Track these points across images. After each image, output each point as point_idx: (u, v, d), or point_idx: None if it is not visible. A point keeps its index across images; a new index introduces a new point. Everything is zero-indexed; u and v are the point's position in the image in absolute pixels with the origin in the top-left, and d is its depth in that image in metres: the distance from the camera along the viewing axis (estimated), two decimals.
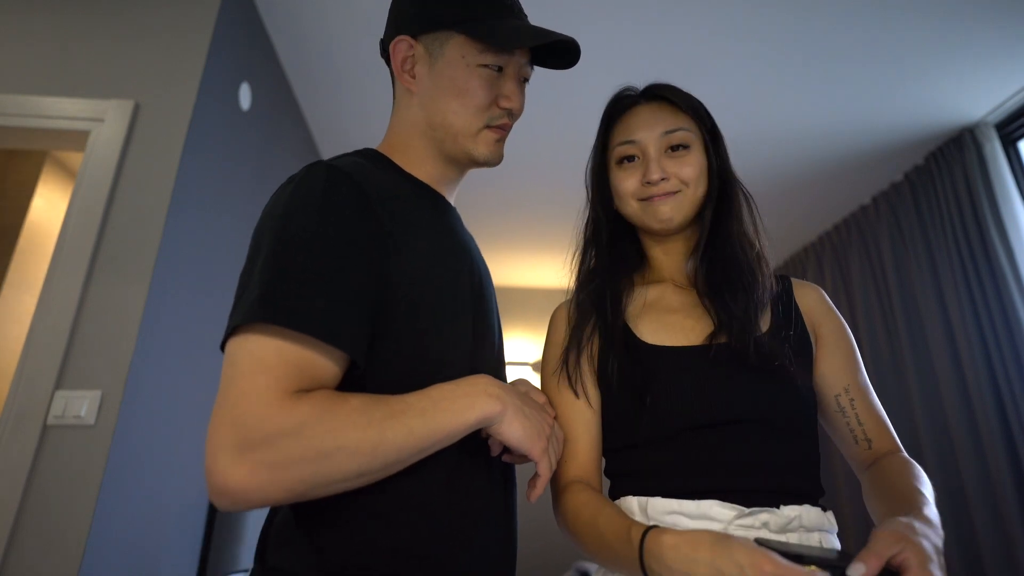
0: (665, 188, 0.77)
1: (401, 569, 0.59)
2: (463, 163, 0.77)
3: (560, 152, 2.80)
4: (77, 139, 1.61)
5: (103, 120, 1.58)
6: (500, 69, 0.74)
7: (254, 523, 1.91)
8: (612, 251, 0.84)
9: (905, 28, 2.02)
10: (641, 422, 0.71)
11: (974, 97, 2.36)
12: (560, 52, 0.78)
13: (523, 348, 4.32)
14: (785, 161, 2.81)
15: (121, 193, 1.53)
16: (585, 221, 0.88)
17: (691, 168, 0.78)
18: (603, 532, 0.63)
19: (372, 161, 0.72)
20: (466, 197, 2.21)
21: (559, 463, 0.71)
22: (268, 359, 0.52)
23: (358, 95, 2.43)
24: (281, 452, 0.49)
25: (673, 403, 0.70)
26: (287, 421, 0.50)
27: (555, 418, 0.74)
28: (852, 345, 0.80)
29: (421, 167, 0.77)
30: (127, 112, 1.59)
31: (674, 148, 0.78)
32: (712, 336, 0.73)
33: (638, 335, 0.76)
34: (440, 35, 0.73)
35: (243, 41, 1.93)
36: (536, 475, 0.66)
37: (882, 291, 2.94)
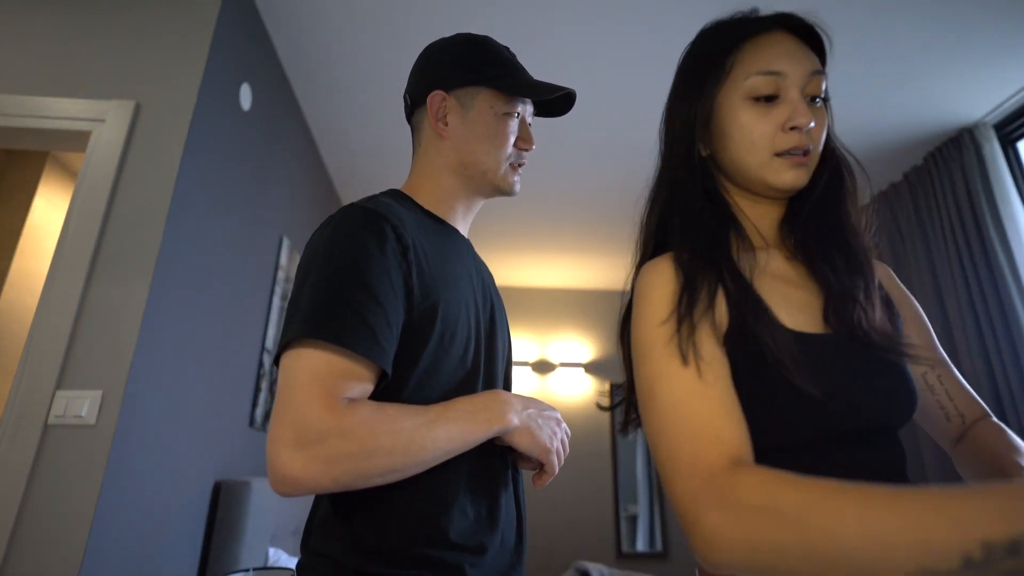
0: (808, 143, 0.62)
1: (430, 551, 0.68)
2: (488, 195, 0.90)
3: (562, 153, 2.81)
4: (78, 139, 1.61)
5: (104, 120, 1.58)
6: (518, 116, 0.88)
7: (254, 524, 1.92)
8: (711, 207, 0.66)
9: (905, 28, 2.02)
10: (783, 425, 0.55)
11: (973, 97, 2.37)
12: (560, 104, 0.94)
13: (525, 348, 4.33)
14: None
15: (122, 193, 1.53)
16: (666, 163, 0.70)
17: (823, 127, 0.64)
18: (892, 514, 0.37)
19: (398, 201, 0.83)
20: None
21: (703, 444, 0.50)
22: (320, 370, 0.63)
23: (358, 95, 2.44)
24: (331, 449, 0.59)
25: (848, 406, 0.55)
26: (337, 424, 0.60)
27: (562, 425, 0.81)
28: (926, 319, 0.73)
29: (443, 203, 0.88)
30: (128, 112, 1.59)
31: (814, 99, 0.64)
32: (828, 319, 0.59)
33: (774, 315, 0.59)
34: (470, 89, 0.86)
35: (243, 41, 1.93)
36: (543, 471, 0.78)
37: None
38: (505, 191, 0.89)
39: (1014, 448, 0.62)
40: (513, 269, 4.23)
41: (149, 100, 1.63)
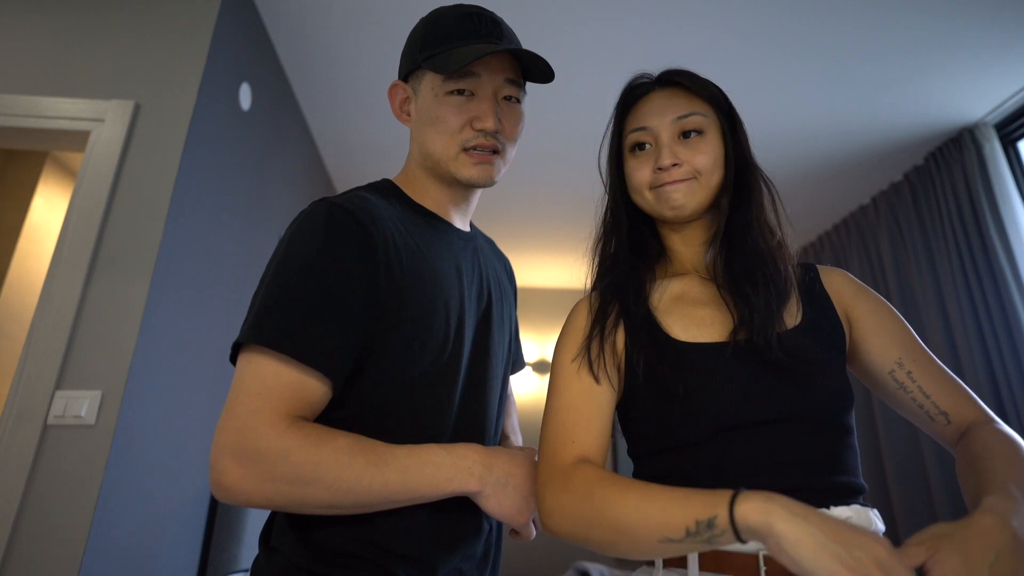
0: (677, 175, 0.73)
1: (381, 560, 0.66)
2: (455, 185, 0.82)
3: (563, 152, 2.81)
4: (77, 139, 1.61)
5: (103, 120, 1.58)
6: (472, 93, 0.77)
7: (253, 524, 1.92)
8: (632, 241, 0.81)
9: (905, 28, 2.02)
10: (675, 424, 0.67)
11: (974, 97, 2.37)
12: (537, 65, 0.79)
13: (525, 348, 4.32)
14: (784, 161, 2.82)
15: (121, 193, 1.53)
16: (603, 210, 0.84)
17: (705, 156, 0.74)
18: (652, 500, 0.56)
19: (382, 193, 0.78)
20: None
21: (561, 444, 0.67)
22: (267, 380, 0.61)
23: (358, 95, 2.43)
24: (268, 467, 0.58)
25: (710, 403, 0.66)
26: (278, 443, 0.58)
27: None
28: (895, 317, 0.75)
29: (426, 195, 0.83)
30: (127, 112, 1.59)
31: (687, 134, 0.75)
32: (736, 331, 0.69)
33: (667, 331, 0.72)
34: (418, 74, 0.81)
35: (243, 41, 1.93)
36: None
37: (881, 292, 2.94)
38: (463, 180, 0.78)
39: (1003, 450, 0.61)
40: (513, 269, 4.23)
41: (149, 100, 1.63)
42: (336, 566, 0.65)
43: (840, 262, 3.28)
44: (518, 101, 0.81)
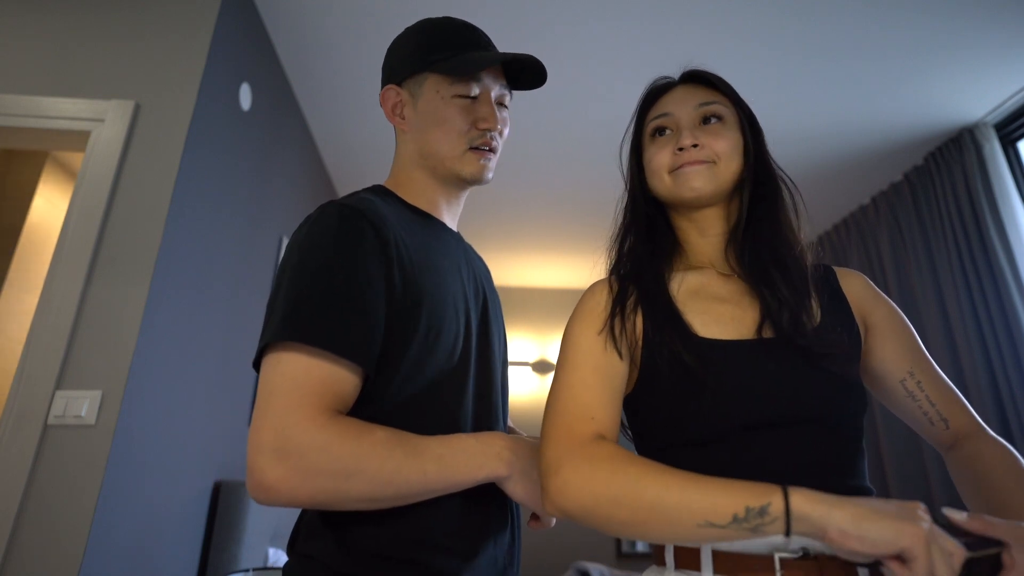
0: (697, 156, 0.74)
1: (422, 556, 0.66)
2: (455, 184, 0.86)
3: (562, 152, 2.81)
4: (78, 139, 1.61)
5: (103, 120, 1.58)
6: (474, 98, 0.83)
7: (253, 524, 1.92)
8: (649, 233, 0.81)
9: (905, 28, 2.02)
10: (692, 420, 0.66)
11: (974, 97, 2.37)
12: (530, 73, 0.86)
13: (525, 348, 4.33)
14: (784, 162, 2.79)
15: (121, 193, 1.53)
16: (623, 205, 0.85)
17: (725, 141, 0.75)
18: (694, 483, 0.54)
19: (380, 196, 0.80)
20: (468, 198, 2.20)
21: (579, 419, 0.65)
22: (300, 377, 0.61)
23: (358, 95, 2.44)
24: (311, 462, 0.58)
25: (734, 399, 0.64)
26: (318, 437, 0.58)
27: None
28: (908, 327, 0.77)
29: (422, 196, 0.85)
30: (127, 112, 1.59)
31: (707, 120, 0.77)
32: (763, 327, 0.69)
33: (687, 324, 0.70)
34: (417, 78, 0.84)
35: (243, 41, 1.93)
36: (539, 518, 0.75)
37: (881, 292, 2.94)
38: (467, 178, 0.83)
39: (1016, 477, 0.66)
40: (513, 269, 4.23)
41: (149, 100, 1.63)
42: (379, 569, 0.65)
43: (840, 262, 3.28)
44: (506, 107, 0.87)
